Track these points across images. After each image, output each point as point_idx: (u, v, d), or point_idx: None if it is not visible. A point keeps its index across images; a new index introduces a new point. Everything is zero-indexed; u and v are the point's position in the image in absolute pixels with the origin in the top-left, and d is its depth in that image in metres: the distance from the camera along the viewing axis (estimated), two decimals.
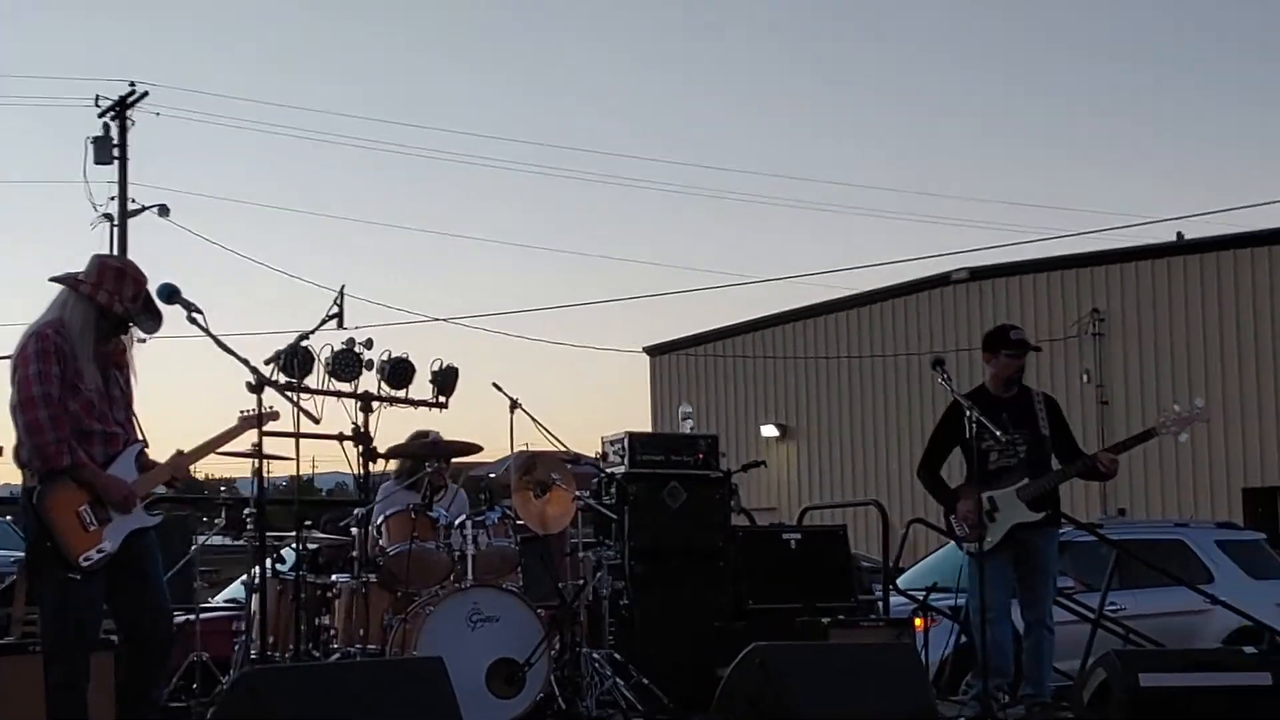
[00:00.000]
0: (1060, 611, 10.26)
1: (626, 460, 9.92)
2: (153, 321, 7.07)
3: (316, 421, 8.17)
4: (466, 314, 72.81)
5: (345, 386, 8.85)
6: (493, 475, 9.74)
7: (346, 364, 8.84)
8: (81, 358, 6.78)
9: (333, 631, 8.63)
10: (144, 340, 7.15)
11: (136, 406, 7.12)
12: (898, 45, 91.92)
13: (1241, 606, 12.70)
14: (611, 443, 10.14)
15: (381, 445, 9.03)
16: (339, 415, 8.81)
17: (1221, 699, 8.29)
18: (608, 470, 9.96)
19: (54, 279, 6.99)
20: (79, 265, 7.01)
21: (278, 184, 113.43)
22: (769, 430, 32.21)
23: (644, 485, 9.87)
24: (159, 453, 7.13)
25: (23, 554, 8.76)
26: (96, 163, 32.73)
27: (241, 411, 7.44)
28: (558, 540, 9.32)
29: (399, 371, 9.11)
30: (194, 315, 7.13)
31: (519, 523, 8.89)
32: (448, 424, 9.48)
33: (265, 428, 7.69)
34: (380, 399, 8.96)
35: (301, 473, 8.53)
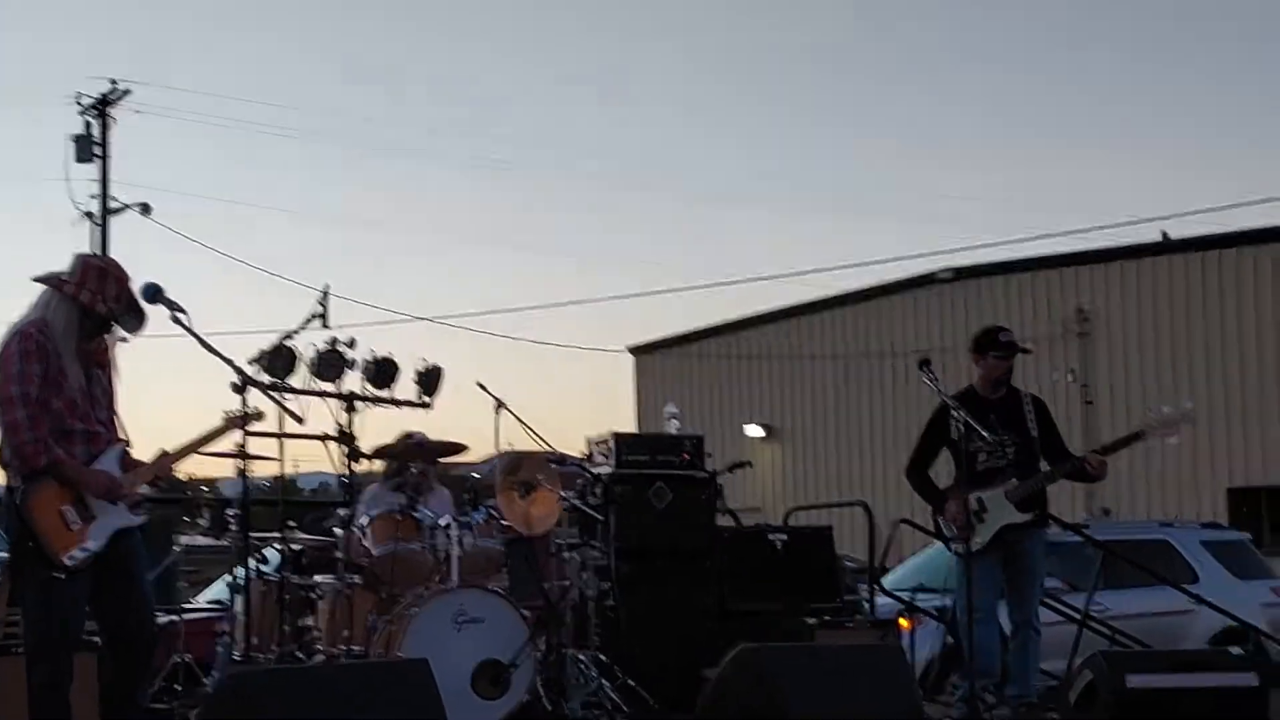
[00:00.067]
0: (1046, 612, 10.26)
1: (612, 460, 9.89)
2: (136, 321, 7.04)
3: (301, 422, 8.14)
4: (451, 313, 72.64)
5: (329, 386, 8.82)
6: (476, 475, 9.70)
7: (330, 364, 8.81)
8: (65, 357, 6.76)
9: (316, 633, 8.59)
10: (125, 339, 7.12)
11: (119, 406, 7.10)
12: (883, 44, 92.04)
13: (1226, 606, 12.72)
14: (597, 443, 10.12)
15: (366, 445, 9.01)
16: (323, 415, 8.78)
17: (1208, 700, 8.29)
18: (593, 470, 9.93)
19: (37, 279, 6.97)
20: (60, 264, 7.00)
21: (261, 182, 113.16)
22: (754, 430, 32.21)
23: (630, 486, 9.84)
24: (142, 452, 7.11)
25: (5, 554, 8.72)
26: (78, 161, 32.67)
27: (226, 412, 7.42)
28: (543, 541, 9.29)
29: (383, 371, 9.08)
30: (177, 315, 7.10)
31: (504, 523, 8.86)
32: (432, 424, 9.43)
33: (249, 428, 7.66)
34: (364, 399, 8.94)
35: (284, 473, 8.50)
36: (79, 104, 32.81)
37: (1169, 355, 26.90)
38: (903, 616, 10.77)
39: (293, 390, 8.50)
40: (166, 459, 7.14)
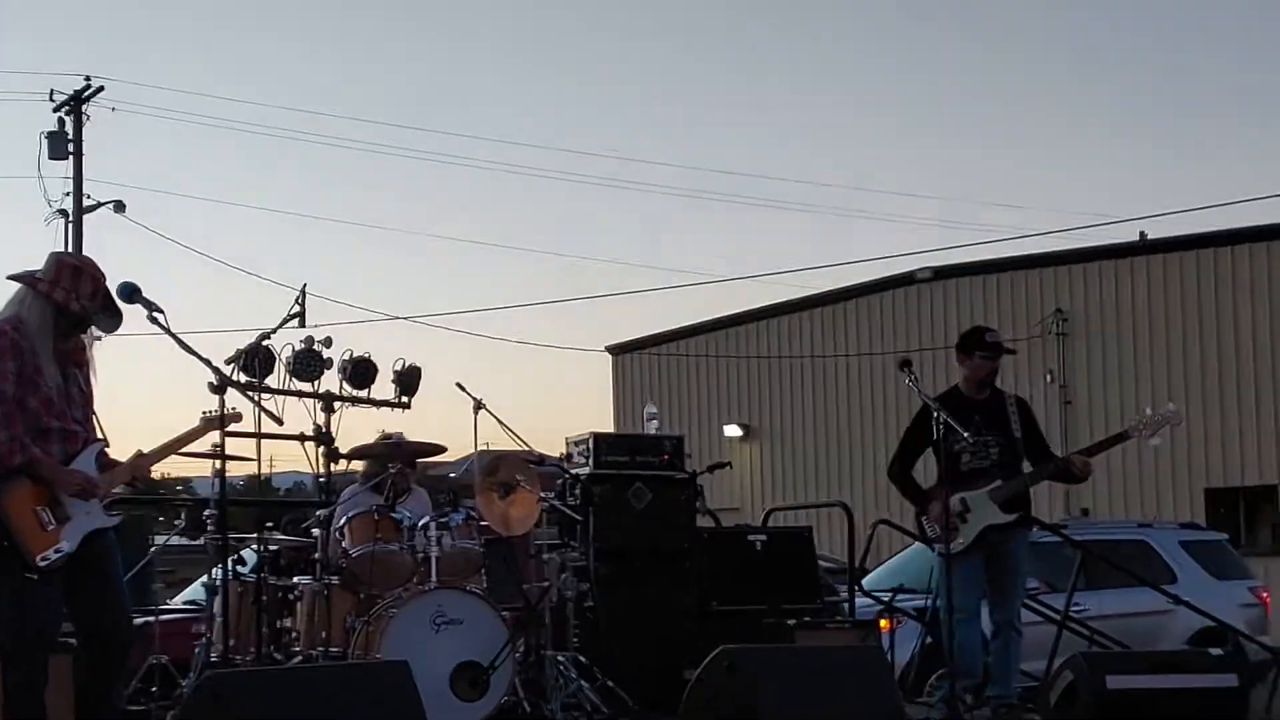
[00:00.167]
0: (1025, 613, 10.26)
1: (591, 461, 9.86)
2: (111, 319, 7.00)
3: (280, 423, 8.10)
4: (428, 312, 72.56)
5: (306, 386, 8.78)
6: (453, 475, 9.67)
7: (308, 364, 8.78)
8: (41, 355, 6.72)
9: (294, 634, 8.55)
10: (100, 338, 7.08)
11: (96, 405, 7.05)
12: (862, 45, 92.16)
13: (1205, 607, 12.72)
14: (576, 443, 10.08)
15: (344, 446, 8.97)
16: (300, 415, 8.75)
17: (1188, 701, 8.30)
18: (572, 471, 9.90)
19: (10, 277, 6.93)
20: (32, 262, 6.97)
21: (237, 180, 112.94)
22: (732, 430, 32.19)
23: (609, 486, 9.81)
24: (119, 452, 7.06)
25: None
26: (51, 158, 32.56)
27: (204, 412, 7.38)
28: (522, 542, 9.26)
29: (361, 371, 9.06)
30: (154, 314, 7.06)
31: (483, 524, 8.82)
32: (410, 424, 9.41)
33: (227, 428, 7.62)
34: (342, 399, 8.91)
35: (259, 472, 8.47)
36: (52, 100, 32.70)
37: (1147, 356, 26.93)
38: (882, 617, 10.76)
39: (270, 390, 8.47)
40: (143, 459, 7.11)
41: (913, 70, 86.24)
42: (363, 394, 9.06)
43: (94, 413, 7.02)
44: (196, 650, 8.62)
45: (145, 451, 7.12)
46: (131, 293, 7.03)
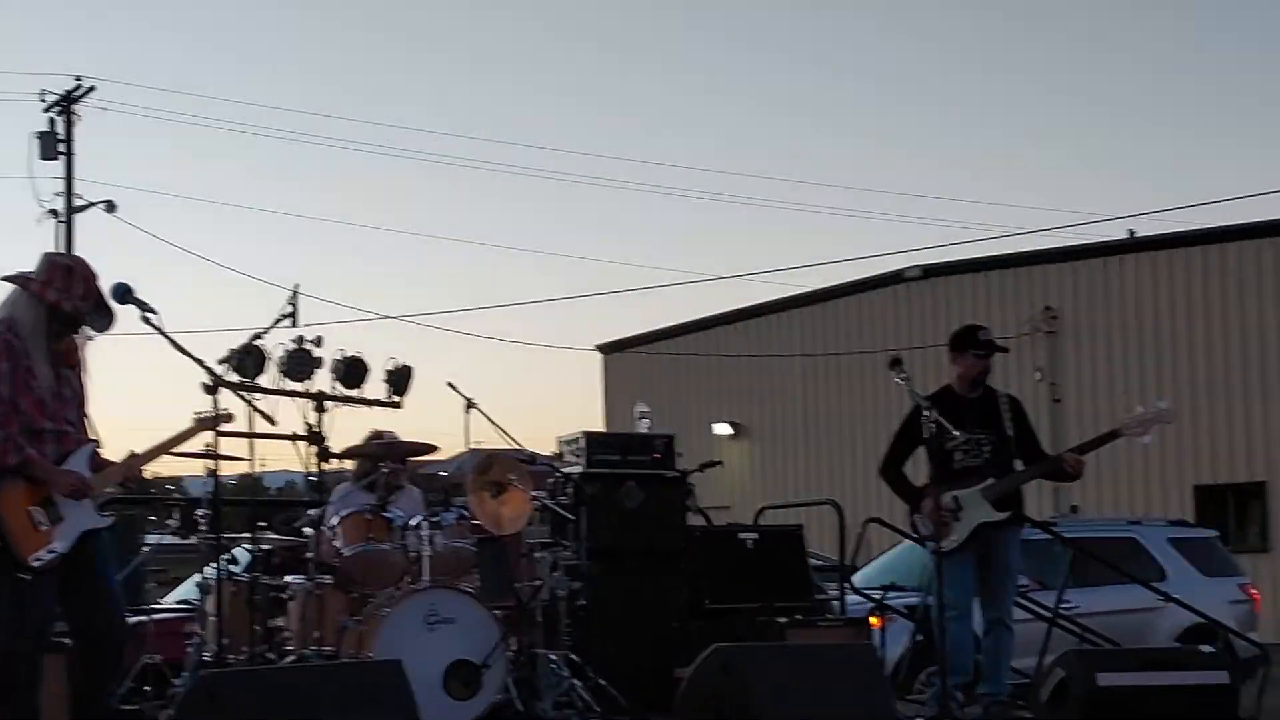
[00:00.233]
0: (1015, 610, 10.28)
1: (583, 460, 9.86)
2: (104, 320, 7.02)
3: (273, 423, 8.11)
4: (420, 311, 72.52)
5: (298, 386, 8.78)
6: (444, 474, 9.68)
7: (300, 363, 8.77)
8: (34, 356, 6.73)
9: (287, 633, 8.56)
10: (92, 338, 7.09)
11: (89, 406, 7.06)
12: (849, 42, 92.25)
13: (1194, 604, 12.76)
14: (568, 442, 10.09)
15: (336, 445, 8.97)
16: (292, 414, 8.75)
17: (1178, 698, 8.33)
18: (564, 470, 9.90)
19: (3, 278, 6.95)
20: (23, 263, 6.99)
21: (228, 180, 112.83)
22: (722, 429, 32.21)
23: (601, 485, 9.81)
24: (112, 452, 7.08)
25: None
26: (42, 158, 32.49)
27: (196, 413, 7.39)
28: (514, 541, 9.26)
29: (353, 371, 9.04)
30: (147, 315, 7.08)
31: (475, 523, 8.83)
32: (402, 423, 9.41)
33: (220, 428, 7.63)
34: (334, 398, 8.90)
35: (250, 471, 8.47)
36: (43, 100, 32.65)
37: (1136, 353, 26.97)
38: (873, 615, 10.77)
39: (262, 390, 8.47)
40: (136, 460, 7.12)
41: (903, 68, 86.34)
42: (354, 393, 9.05)
43: (87, 413, 7.03)
44: (189, 650, 8.62)
45: (138, 452, 7.14)
46: (124, 293, 7.04)
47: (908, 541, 11.94)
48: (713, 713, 7.49)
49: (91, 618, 6.85)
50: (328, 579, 8.45)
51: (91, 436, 7.01)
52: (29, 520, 6.62)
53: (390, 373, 9.17)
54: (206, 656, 8.37)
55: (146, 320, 7.08)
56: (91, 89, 32.76)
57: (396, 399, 9.20)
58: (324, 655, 8.21)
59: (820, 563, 14.44)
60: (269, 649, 8.49)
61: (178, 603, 11.89)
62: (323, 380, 8.86)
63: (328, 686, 6.55)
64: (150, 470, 8.49)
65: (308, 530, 8.74)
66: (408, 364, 9.30)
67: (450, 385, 9.46)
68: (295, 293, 8.77)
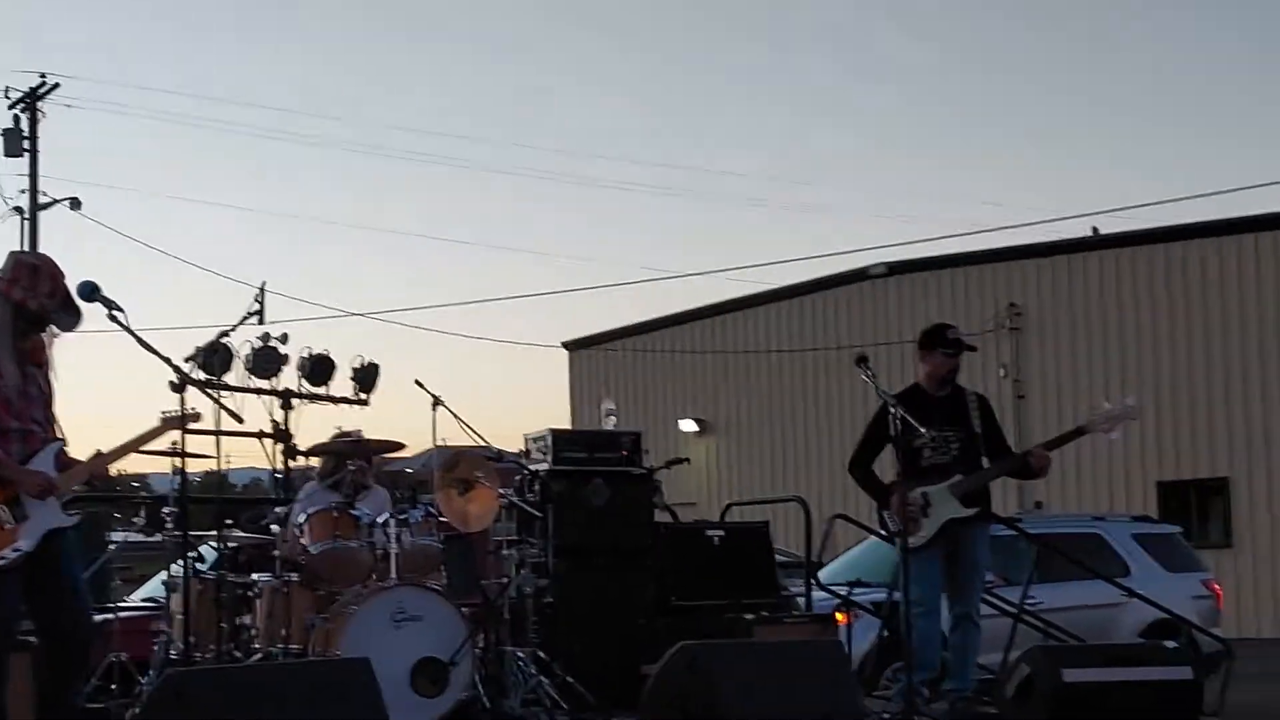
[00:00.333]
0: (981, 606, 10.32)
1: (550, 457, 9.86)
2: (71, 318, 7.00)
3: (240, 421, 8.09)
4: (386, 309, 72.36)
5: (265, 384, 8.77)
6: (410, 470, 9.66)
7: (266, 361, 8.77)
8: (0, 354, 6.69)
9: (254, 631, 8.54)
10: (57, 336, 7.06)
11: (56, 404, 7.04)
12: (821, 43, 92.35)
13: (1158, 599, 12.82)
14: (535, 440, 10.09)
15: (302, 442, 8.97)
16: (258, 412, 8.74)
17: (1142, 694, 8.36)
18: (531, 467, 9.91)
19: None
20: None
21: (195, 177, 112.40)
22: (688, 425, 32.23)
23: (567, 482, 9.82)
24: (78, 450, 7.05)
25: None
26: (6, 155, 32.36)
27: (163, 412, 7.37)
28: (481, 538, 9.27)
29: (319, 368, 9.05)
30: (114, 313, 7.06)
31: (442, 520, 8.82)
32: (369, 421, 9.40)
33: (187, 427, 7.61)
34: (301, 396, 8.90)
35: (216, 468, 8.45)
36: (7, 97, 32.51)
37: (1100, 350, 27.12)
38: (839, 611, 10.80)
39: (229, 388, 8.46)
40: (102, 459, 7.10)
41: (867, 67, 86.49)
42: (321, 391, 9.05)
43: (54, 412, 7.01)
44: (156, 648, 8.60)
45: (104, 451, 7.12)
46: (91, 291, 7.02)
47: (874, 538, 11.97)
48: (679, 710, 7.51)
49: (57, 616, 6.83)
50: (295, 577, 8.45)
51: (58, 435, 6.98)
52: None
53: (357, 370, 9.17)
54: (173, 655, 8.35)
55: (113, 318, 7.05)
56: (56, 86, 32.66)
57: (363, 396, 9.20)
58: (291, 653, 8.20)
59: (787, 559, 14.48)
60: (235, 647, 8.48)
61: (144, 600, 11.85)
62: (289, 378, 8.87)
63: (295, 685, 6.54)
64: (116, 468, 8.47)
65: (275, 528, 8.73)
66: (374, 361, 9.31)
67: (417, 383, 9.46)
68: (262, 290, 8.77)
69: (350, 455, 9.19)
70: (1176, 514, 22.95)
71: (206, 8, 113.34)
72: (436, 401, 9.42)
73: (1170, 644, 9.70)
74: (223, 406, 7.97)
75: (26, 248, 28.82)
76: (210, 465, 8.63)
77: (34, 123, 32.66)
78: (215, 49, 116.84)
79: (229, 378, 8.65)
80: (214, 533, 8.95)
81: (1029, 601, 11.46)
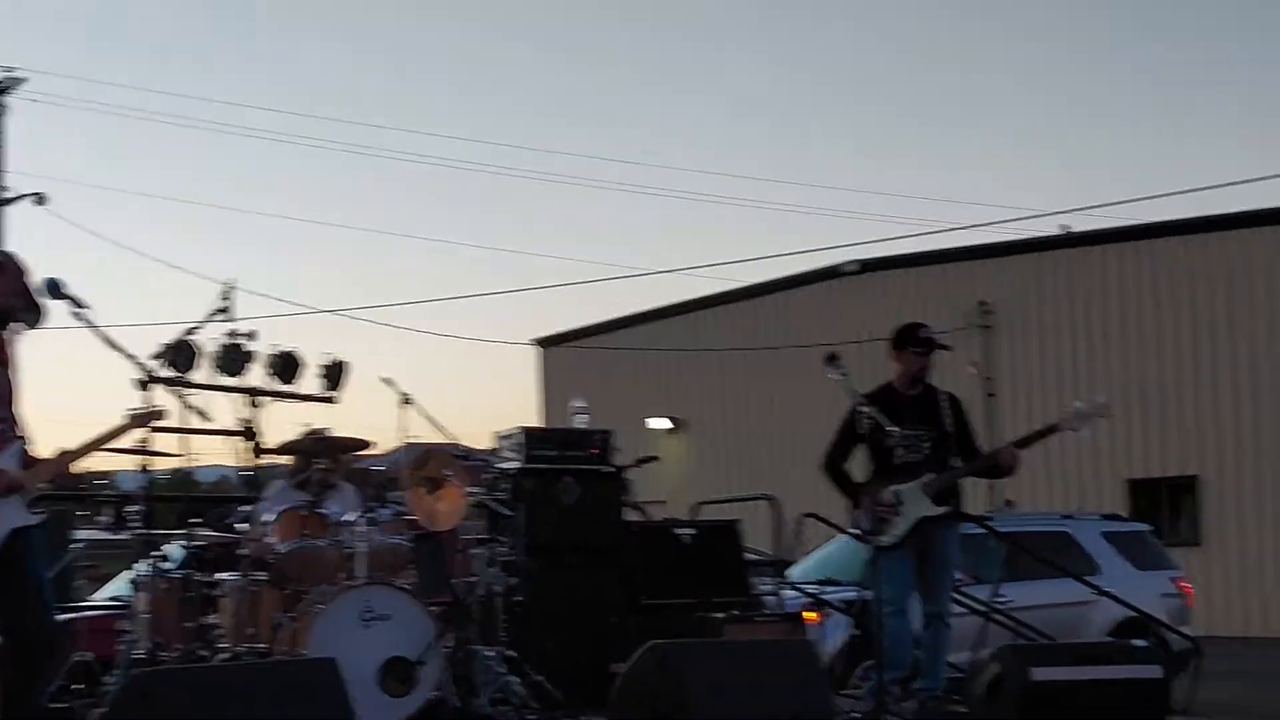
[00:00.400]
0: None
1: (521, 455, 9.83)
2: (35, 315, 6.94)
3: (206, 419, 8.04)
4: (355, 306, 72.21)
5: (232, 381, 8.73)
6: (380, 468, 9.62)
7: (233, 358, 8.73)
8: None
9: (221, 631, 8.49)
10: (20, 333, 7.01)
11: (20, 402, 6.98)
12: (791, 39, 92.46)
13: (1127, 597, 12.86)
14: (505, 437, 10.06)
15: (270, 441, 8.91)
16: (226, 409, 8.69)
17: (1112, 692, 8.37)
18: (501, 465, 9.88)
19: None
20: None
21: (161, 174, 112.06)
22: (660, 423, 32.22)
23: (538, 480, 9.79)
24: (42, 448, 7.00)
25: None
26: None
27: (128, 410, 7.32)
28: (450, 537, 9.23)
29: (287, 366, 9.02)
30: (79, 310, 7.01)
31: (410, 519, 8.78)
32: (337, 418, 9.35)
33: (152, 425, 7.56)
34: (268, 394, 8.86)
35: (183, 466, 8.41)
36: None
37: (1070, 348, 27.20)
38: (810, 610, 10.78)
39: (196, 385, 8.41)
40: (66, 457, 7.05)
41: (838, 65, 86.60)
42: (288, 388, 9.01)
43: (17, 410, 6.95)
44: (121, 647, 8.54)
45: (68, 449, 7.07)
46: (56, 288, 6.98)
47: (844, 536, 11.97)
48: (649, 709, 7.48)
49: (21, 616, 6.77)
50: (262, 576, 8.40)
51: (20, 433, 6.93)
52: None
53: (325, 368, 9.14)
54: (139, 654, 8.30)
55: (78, 315, 7.00)
56: (23, 80, 32.44)
57: (331, 394, 9.17)
58: (258, 653, 8.15)
59: (757, 558, 14.48)
60: (202, 646, 8.43)
61: (110, 599, 11.79)
62: (257, 375, 8.82)
63: (262, 684, 6.50)
64: (82, 465, 8.42)
65: (242, 526, 8.68)
66: (342, 359, 9.27)
67: (386, 380, 9.41)
68: (229, 287, 8.71)
69: (318, 453, 9.14)
70: (1146, 512, 23.01)
71: (169, 5, 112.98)
72: (406, 399, 9.37)
73: (1139, 642, 9.71)
74: (188, 404, 7.92)
75: None
76: (177, 463, 8.59)
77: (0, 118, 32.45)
78: (180, 46, 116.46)
79: (196, 375, 8.60)
80: (181, 531, 8.89)
81: (999, 600, 11.48)
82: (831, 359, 8.99)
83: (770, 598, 11.09)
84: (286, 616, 8.24)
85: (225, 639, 8.42)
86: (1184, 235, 26.07)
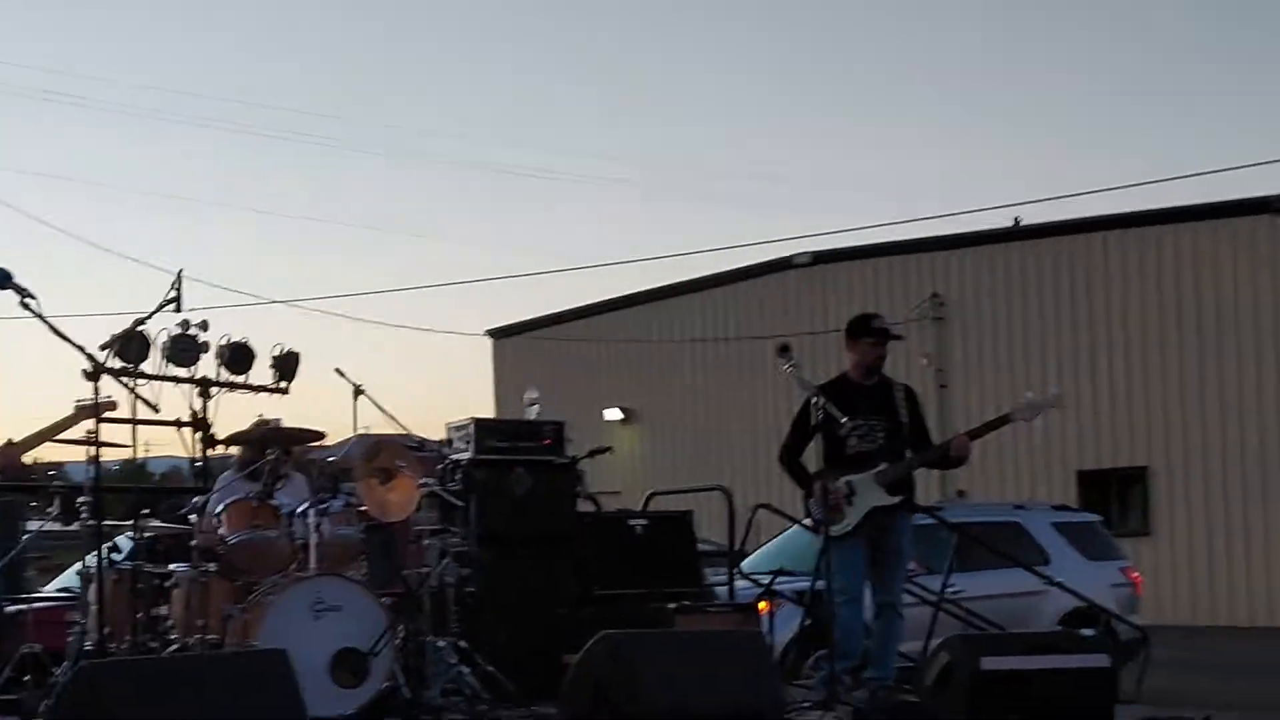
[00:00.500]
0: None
1: (472, 446, 9.83)
2: None
3: (156, 410, 8.01)
4: (307, 296, 71.92)
5: (183, 372, 8.68)
6: (332, 459, 9.58)
7: (184, 349, 8.67)
8: None
9: (171, 622, 8.46)
10: None
11: None
12: (738, 27, 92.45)
13: (1077, 587, 12.95)
14: (457, 428, 10.05)
15: (221, 431, 8.87)
16: (177, 400, 8.64)
17: (1060, 681, 8.42)
18: (453, 456, 9.86)
19: None
20: None
21: (110, 163, 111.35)
22: (613, 414, 32.23)
23: (490, 471, 9.79)
24: None
25: None
26: None
27: (77, 400, 7.28)
28: (402, 527, 9.21)
29: (238, 356, 8.95)
30: (26, 300, 6.97)
31: (362, 509, 8.76)
32: (289, 409, 9.30)
33: (102, 416, 7.52)
34: (219, 384, 8.80)
35: (134, 457, 8.36)
36: None
37: (1021, 340, 27.34)
38: (762, 600, 10.81)
39: (146, 376, 8.36)
40: (14, 449, 7.03)
41: (787, 54, 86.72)
42: (240, 379, 8.95)
43: None
44: (70, 639, 8.49)
45: (15, 441, 7.03)
46: (3, 279, 6.94)
47: (797, 526, 12.00)
48: (600, 699, 7.49)
49: None
50: (212, 567, 8.36)
51: None
52: None
53: (276, 358, 9.08)
54: (88, 646, 8.25)
55: (25, 306, 6.97)
56: None
57: (283, 385, 9.11)
58: (208, 644, 8.13)
59: (710, 548, 14.51)
60: (152, 638, 8.39)
61: (60, 590, 11.72)
62: (208, 366, 8.76)
63: (211, 676, 6.48)
64: (31, 457, 8.37)
65: (192, 518, 8.64)
66: (294, 349, 9.23)
67: (338, 371, 9.39)
68: (179, 277, 8.66)
69: (269, 444, 9.11)
70: (1096, 503, 23.15)
71: None
72: (358, 390, 9.35)
73: (1088, 632, 9.79)
74: (138, 395, 7.89)
75: None
76: (127, 454, 8.54)
77: None
78: (127, 32, 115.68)
79: (146, 366, 8.54)
80: (130, 522, 8.84)
81: (950, 590, 11.54)
82: (783, 350, 9.02)
83: (722, 588, 11.14)
84: (237, 608, 8.21)
85: (175, 630, 8.39)
86: (1135, 228, 26.23)
